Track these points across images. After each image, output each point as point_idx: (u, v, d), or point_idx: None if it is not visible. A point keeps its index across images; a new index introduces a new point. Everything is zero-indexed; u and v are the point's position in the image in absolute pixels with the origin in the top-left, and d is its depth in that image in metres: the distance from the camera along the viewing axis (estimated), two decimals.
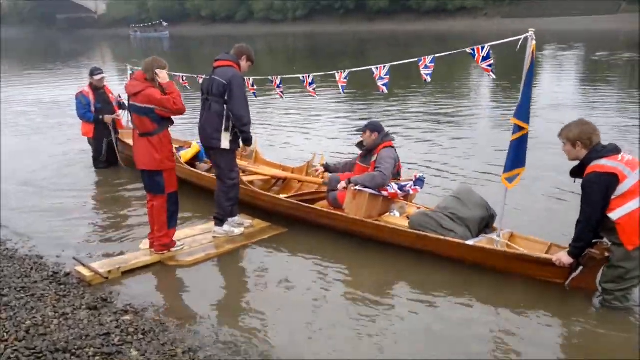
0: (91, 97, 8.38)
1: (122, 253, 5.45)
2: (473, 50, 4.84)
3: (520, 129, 4.48)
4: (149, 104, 4.95)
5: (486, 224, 5.16)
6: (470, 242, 4.75)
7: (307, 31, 64.38)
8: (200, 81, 7.97)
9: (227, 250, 5.50)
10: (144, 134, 5.05)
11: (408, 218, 5.52)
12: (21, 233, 6.10)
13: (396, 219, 5.51)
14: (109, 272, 4.95)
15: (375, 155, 5.70)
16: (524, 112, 4.45)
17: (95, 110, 8.40)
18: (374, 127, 5.82)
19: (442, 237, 4.83)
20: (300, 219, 5.96)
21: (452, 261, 4.93)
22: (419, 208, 5.60)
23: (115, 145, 8.62)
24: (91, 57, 40.57)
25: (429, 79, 5.19)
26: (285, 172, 7.26)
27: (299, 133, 11.12)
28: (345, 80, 6.23)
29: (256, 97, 7.99)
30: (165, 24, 77.08)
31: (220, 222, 5.74)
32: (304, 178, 7.04)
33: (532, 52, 4.43)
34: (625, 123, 10.62)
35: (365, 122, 6.06)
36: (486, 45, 4.79)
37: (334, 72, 6.23)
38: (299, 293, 4.69)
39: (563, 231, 5.05)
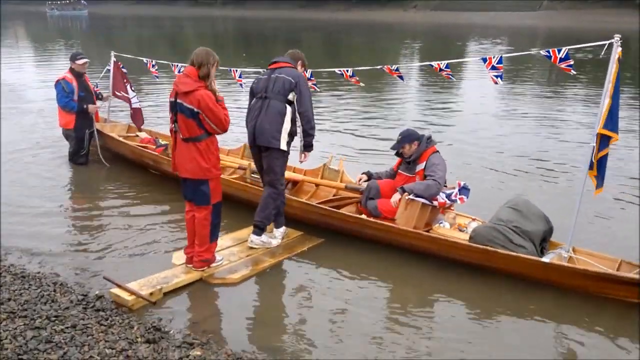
0: (74, 83, 7.55)
1: (148, 268, 4.86)
2: (548, 52, 4.72)
3: (608, 139, 4.33)
4: (198, 107, 4.38)
5: (544, 237, 5.00)
6: (546, 260, 4.56)
7: (237, 16, 62.92)
8: (178, 71, 7.51)
9: (269, 264, 5.05)
10: (190, 138, 4.48)
11: (459, 230, 5.30)
12: (18, 246, 5.33)
13: (447, 231, 5.26)
14: (151, 294, 4.37)
15: (423, 163, 5.40)
16: (614, 122, 4.31)
17: (79, 99, 7.57)
18: (410, 138, 5.51)
19: (514, 254, 4.61)
20: (335, 228, 5.58)
21: (511, 277, 4.74)
22: (474, 220, 5.35)
23: (95, 139, 7.83)
24: (4, 36, 37.32)
25: (500, 82, 4.93)
26: (298, 175, 6.83)
27: None
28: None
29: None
30: (84, 2, 72.87)
31: (260, 230, 5.27)
32: (321, 181, 6.64)
33: (618, 59, 4.28)
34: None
35: (400, 134, 5.66)
36: (563, 48, 4.64)
37: (379, 67, 5.90)
38: (350, 313, 4.36)
39: (619, 244, 5.01)
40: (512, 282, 4.72)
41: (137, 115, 8.09)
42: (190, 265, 4.82)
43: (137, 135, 8.05)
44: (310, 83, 6.21)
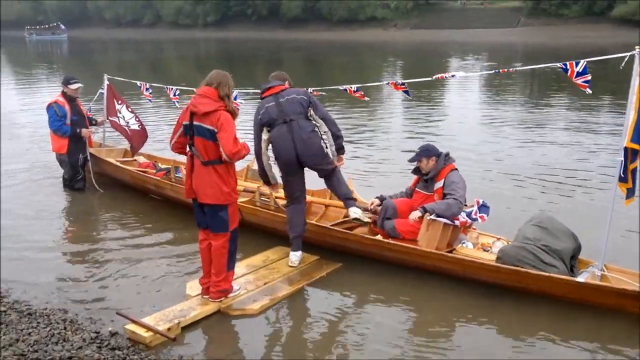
0: (67, 107, 7.30)
1: (161, 301, 4.61)
2: (565, 65, 4.57)
3: (637, 152, 4.21)
4: (216, 128, 4.18)
5: (573, 255, 4.84)
6: (580, 279, 4.40)
7: (219, 37, 62.93)
8: (174, 94, 7.32)
9: (288, 292, 4.81)
10: (210, 162, 4.26)
11: (483, 249, 5.13)
12: (21, 280, 5.03)
13: (471, 251, 5.08)
14: (169, 329, 4.11)
15: (442, 181, 5.23)
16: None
17: (72, 123, 7.32)
18: (429, 153, 5.34)
19: (547, 274, 4.43)
20: (353, 252, 5.37)
21: (542, 298, 4.57)
22: (499, 239, 5.18)
23: (89, 164, 7.57)
24: None
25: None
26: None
27: None
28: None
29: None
30: (62, 26, 72.41)
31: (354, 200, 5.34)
32: (330, 202, 6.43)
33: None
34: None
35: (420, 147, 5.48)
36: (582, 61, 4.53)
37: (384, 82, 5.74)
38: (374, 341, 4.16)
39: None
40: (544, 303, 4.54)
41: (136, 138, 7.82)
42: (207, 296, 4.57)
43: (135, 160, 7.79)
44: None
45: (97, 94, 8.15)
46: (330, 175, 5.22)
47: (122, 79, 8.59)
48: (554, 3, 54.29)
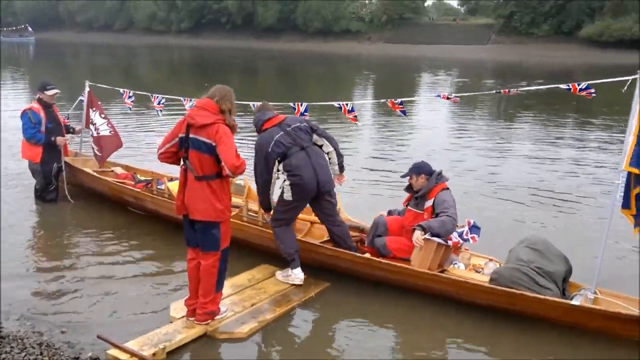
0: (42, 114, 7.01)
1: (143, 323, 4.41)
2: (568, 86, 4.70)
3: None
4: (214, 141, 4.01)
5: (564, 278, 4.80)
6: (575, 302, 4.34)
7: (193, 44, 62.49)
8: (158, 103, 7.14)
9: (277, 314, 4.63)
10: (204, 177, 4.09)
11: (475, 271, 5.05)
12: None
13: (462, 272, 4.99)
14: (154, 354, 3.90)
15: (432, 200, 5.14)
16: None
17: (46, 131, 7.03)
18: (419, 170, 5.26)
19: (542, 297, 4.36)
20: (343, 270, 5.23)
21: (533, 320, 4.51)
22: (491, 260, 5.10)
23: (63, 174, 7.28)
24: None
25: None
26: None
27: None
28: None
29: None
30: (30, 28, 70.91)
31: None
32: (316, 219, 6.26)
33: None
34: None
35: (413, 165, 5.41)
36: (583, 83, 4.64)
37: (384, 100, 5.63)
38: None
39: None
40: (538, 326, 4.48)
41: (106, 144, 7.51)
42: (193, 319, 4.36)
43: (112, 171, 7.52)
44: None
45: (77, 100, 7.85)
46: (331, 208, 5.32)
47: (104, 86, 8.31)
48: (524, 21, 55.49)
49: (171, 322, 4.42)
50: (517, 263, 4.65)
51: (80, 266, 5.51)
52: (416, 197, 5.30)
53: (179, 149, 4.20)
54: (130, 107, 7.83)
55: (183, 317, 4.43)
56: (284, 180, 5.05)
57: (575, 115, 16.36)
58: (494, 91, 5.20)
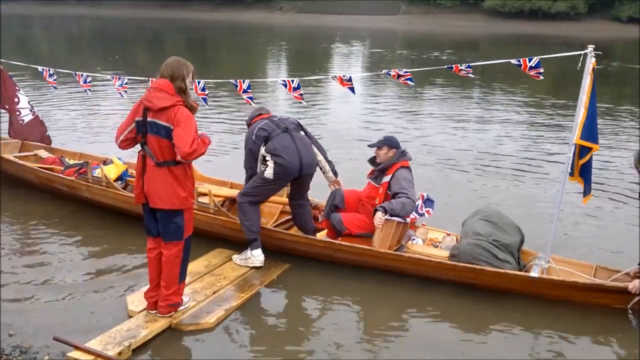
0: None
1: (100, 319, 4.14)
2: (519, 60, 4.69)
3: (588, 150, 4.37)
4: (172, 124, 3.74)
5: (518, 247, 4.97)
6: (534, 274, 4.50)
7: (94, 15, 58.82)
8: (84, 82, 6.70)
9: (242, 300, 4.49)
10: (165, 162, 3.82)
11: (433, 245, 5.12)
12: None
13: (421, 247, 5.04)
14: (119, 353, 3.66)
15: (390, 176, 5.12)
16: (592, 133, 4.35)
17: None
18: (391, 143, 5.21)
19: (502, 271, 4.50)
20: (303, 254, 5.15)
21: (492, 291, 4.66)
22: (449, 234, 5.18)
23: None
24: None
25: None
26: (234, 190, 6.24)
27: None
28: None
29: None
30: None
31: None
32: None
33: (593, 69, 4.33)
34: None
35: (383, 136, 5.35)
36: (534, 58, 4.66)
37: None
38: (336, 340, 4.08)
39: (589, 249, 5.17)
40: (493, 295, 4.63)
41: (31, 130, 6.98)
42: (154, 311, 4.13)
43: (35, 154, 6.93)
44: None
45: None
46: (305, 189, 5.26)
47: (18, 63, 7.58)
48: None
49: (131, 316, 4.16)
50: (475, 238, 4.74)
51: (20, 263, 5.03)
52: (377, 170, 5.25)
53: (136, 134, 3.90)
54: (55, 85, 7.20)
55: (143, 310, 4.18)
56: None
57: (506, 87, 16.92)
58: (446, 66, 5.14)
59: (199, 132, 3.86)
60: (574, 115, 4.45)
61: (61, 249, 5.33)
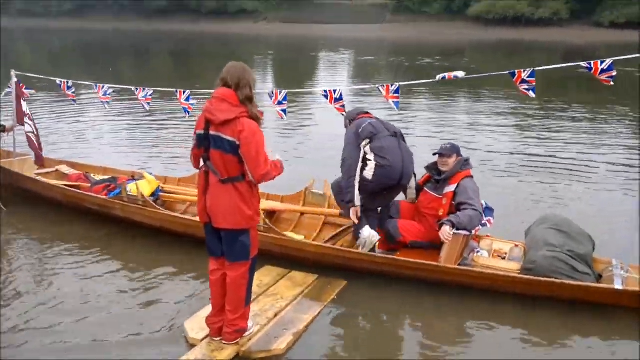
0: None
1: (156, 351, 3.81)
2: (589, 64, 4.47)
3: None
4: (238, 140, 3.42)
5: None
6: (619, 287, 4.23)
7: (77, 27, 58.04)
8: (104, 94, 6.39)
9: (307, 322, 4.16)
10: (230, 179, 3.49)
11: (500, 257, 4.84)
12: None
13: (488, 260, 4.76)
14: None
15: (454, 186, 4.82)
16: None
17: None
18: (458, 150, 4.94)
19: (585, 284, 4.24)
20: (362, 271, 4.83)
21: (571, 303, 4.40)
22: (517, 245, 4.90)
23: None
24: None
25: (532, 94, 4.62)
26: (275, 203, 5.96)
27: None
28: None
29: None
30: None
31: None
32: (306, 209, 5.86)
33: None
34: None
35: (449, 143, 5.09)
36: (607, 60, 4.46)
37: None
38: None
39: None
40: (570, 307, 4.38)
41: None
42: (218, 338, 3.80)
43: (57, 170, 6.54)
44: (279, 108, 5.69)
45: (4, 93, 6.73)
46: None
47: (33, 75, 7.18)
48: (417, 0, 57.11)
49: (192, 345, 3.82)
50: (549, 249, 4.46)
51: (61, 293, 4.58)
52: (437, 179, 4.97)
53: (198, 148, 3.58)
54: (74, 99, 6.81)
55: (205, 338, 3.84)
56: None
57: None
58: (507, 72, 4.86)
59: (273, 154, 3.58)
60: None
61: (104, 276, 4.89)
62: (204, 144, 3.50)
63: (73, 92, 6.64)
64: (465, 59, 29.49)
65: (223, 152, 3.44)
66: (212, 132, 3.45)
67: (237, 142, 3.41)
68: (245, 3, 61.75)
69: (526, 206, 6.56)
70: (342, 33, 52.69)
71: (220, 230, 3.59)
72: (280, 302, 4.38)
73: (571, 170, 8.17)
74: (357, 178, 4.63)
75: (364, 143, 4.66)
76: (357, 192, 4.65)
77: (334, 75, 23.68)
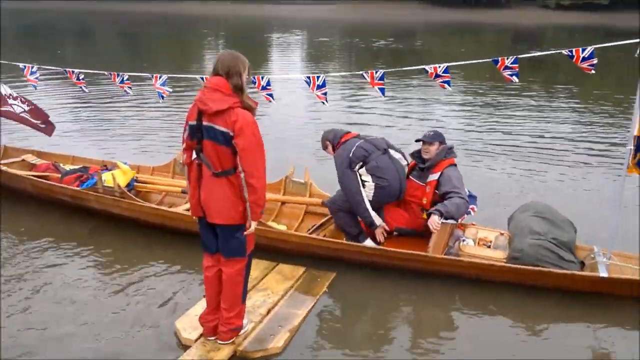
0: None
1: (149, 351, 3.67)
2: (571, 51, 4.50)
3: None
4: (233, 130, 3.28)
5: None
6: (604, 274, 4.30)
7: (14, 7, 55.16)
8: (77, 79, 6.11)
9: (302, 318, 4.08)
10: (224, 172, 3.35)
11: (486, 246, 4.86)
12: None
13: (473, 249, 4.77)
14: None
15: (438, 174, 4.82)
16: None
17: None
18: (441, 138, 4.92)
19: (570, 272, 4.30)
20: (349, 261, 4.78)
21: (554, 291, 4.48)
22: (502, 234, 4.93)
23: None
24: None
25: (516, 79, 4.65)
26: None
27: None
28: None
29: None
30: None
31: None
32: (287, 198, 5.77)
33: None
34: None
35: (431, 130, 5.05)
36: (588, 47, 4.46)
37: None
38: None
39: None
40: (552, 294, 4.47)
41: (37, 116, 6.22)
42: (213, 338, 3.68)
43: (23, 160, 6.17)
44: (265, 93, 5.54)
45: None
46: None
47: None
48: None
49: (186, 346, 3.69)
50: (534, 237, 4.51)
51: (39, 287, 4.39)
52: (422, 167, 4.95)
53: (190, 139, 3.42)
54: (36, 84, 6.40)
55: (199, 338, 3.72)
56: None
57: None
58: (490, 59, 4.83)
59: None
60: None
61: (85, 272, 4.67)
62: (197, 136, 3.34)
63: (36, 78, 6.24)
64: (418, 42, 29.69)
65: (216, 144, 3.29)
66: (205, 123, 3.30)
67: (231, 133, 3.26)
68: None
69: (507, 193, 6.63)
70: (295, 13, 52.15)
71: (215, 225, 3.45)
72: (272, 297, 4.29)
73: (551, 155, 8.33)
74: (366, 200, 4.63)
75: (357, 167, 4.63)
76: (372, 212, 4.67)
77: (290, 56, 23.45)
